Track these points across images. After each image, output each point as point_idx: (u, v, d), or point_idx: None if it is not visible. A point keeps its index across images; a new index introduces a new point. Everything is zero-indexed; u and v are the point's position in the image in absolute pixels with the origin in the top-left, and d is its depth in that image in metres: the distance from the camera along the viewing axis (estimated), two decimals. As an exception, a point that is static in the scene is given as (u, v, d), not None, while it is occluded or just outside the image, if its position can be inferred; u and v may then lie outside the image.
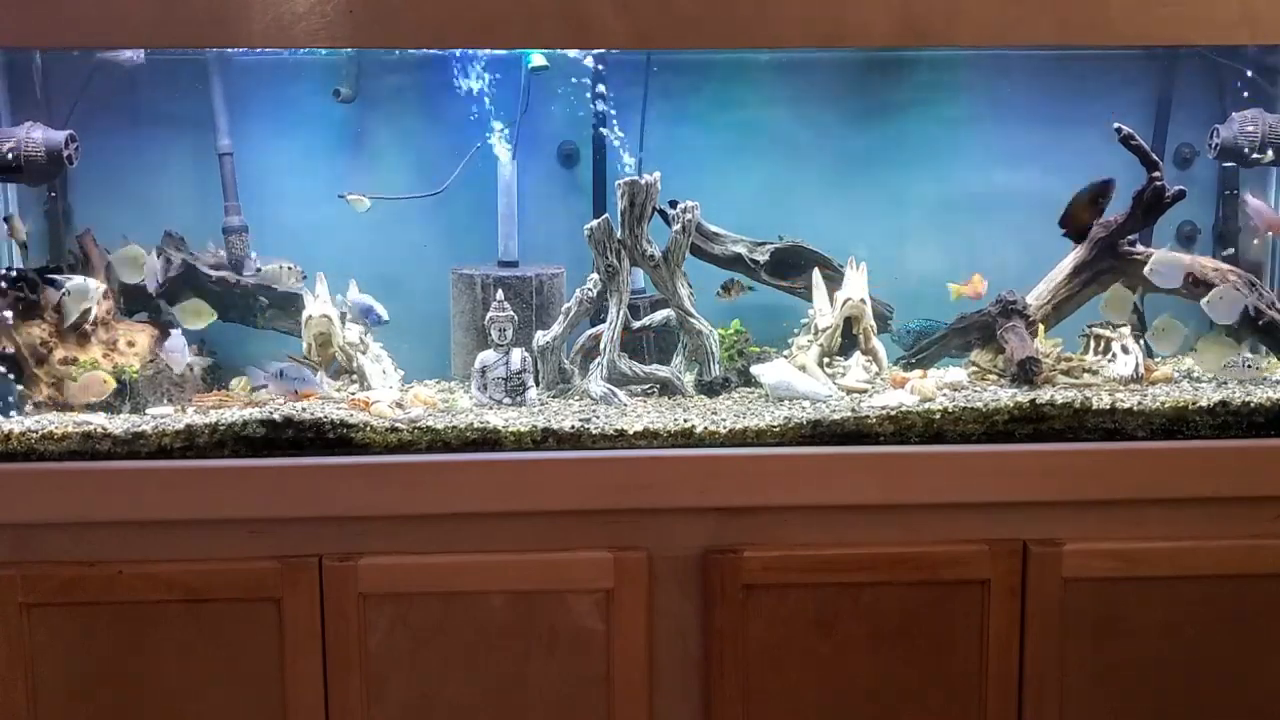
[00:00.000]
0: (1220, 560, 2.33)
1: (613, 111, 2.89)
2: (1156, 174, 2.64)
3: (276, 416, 2.31)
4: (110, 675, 2.26)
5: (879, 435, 2.36)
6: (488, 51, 2.79)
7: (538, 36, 2.36)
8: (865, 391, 2.56)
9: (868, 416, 2.36)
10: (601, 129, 2.90)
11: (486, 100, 2.87)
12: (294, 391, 2.49)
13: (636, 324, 2.78)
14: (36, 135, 2.59)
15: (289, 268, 2.73)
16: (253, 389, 2.59)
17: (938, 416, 2.36)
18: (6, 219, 2.66)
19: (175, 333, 2.59)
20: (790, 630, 2.31)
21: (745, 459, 2.31)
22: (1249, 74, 2.87)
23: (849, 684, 2.34)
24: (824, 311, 2.73)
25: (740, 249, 2.84)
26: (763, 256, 2.85)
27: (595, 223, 2.64)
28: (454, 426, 2.34)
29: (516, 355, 2.60)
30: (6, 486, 2.23)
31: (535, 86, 2.89)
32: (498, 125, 2.88)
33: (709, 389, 2.67)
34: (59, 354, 2.54)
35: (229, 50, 2.76)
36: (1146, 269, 2.63)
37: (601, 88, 2.88)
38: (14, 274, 2.51)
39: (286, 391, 2.50)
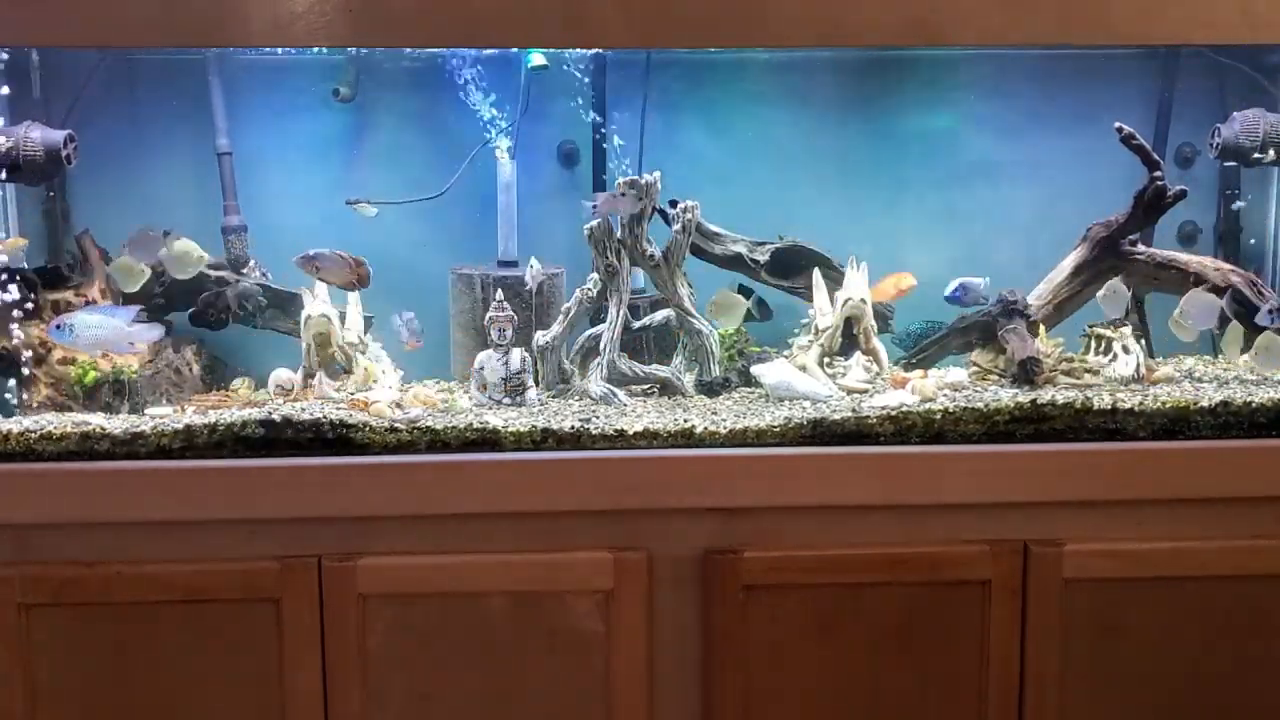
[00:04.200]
0: (1221, 561, 2.32)
1: (612, 114, 2.89)
2: (1157, 173, 2.64)
3: (276, 417, 2.31)
4: (109, 676, 2.26)
5: (879, 435, 2.36)
6: (488, 51, 2.79)
7: (537, 36, 2.36)
8: (866, 391, 2.56)
9: (868, 416, 2.36)
10: (600, 129, 2.90)
11: (487, 100, 2.87)
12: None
13: (636, 324, 2.77)
14: (35, 135, 2.59)
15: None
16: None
17: (938, 417, 2.36)
18: None
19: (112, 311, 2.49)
20: (790, 631, 2.31)
21: (745, 459, 2.30)
22: (1250, 73, 2.88)
23: (849, 685, 2.33)
24: (824, 311, 2.73)
25: (740, 249, 2.84)
26: (763, 256, 2.84)
27: (595, 223, 2.64)
28: (453, 427, 2.34)
29: (516, 355, 2.60)
30: (5, 487, 2.23)
31: (535, 86, 2.89)
32: (498, 124, 2.88)
33: (709, 389, 2.66)
34: (57, 354, 2.53)
35: (229, 50, 2.76)
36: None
37: (602, 87, 2.88)
38: (11, 275, 2.51)
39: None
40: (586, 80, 2.87)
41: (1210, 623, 2.34)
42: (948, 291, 2.71)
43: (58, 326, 2.40)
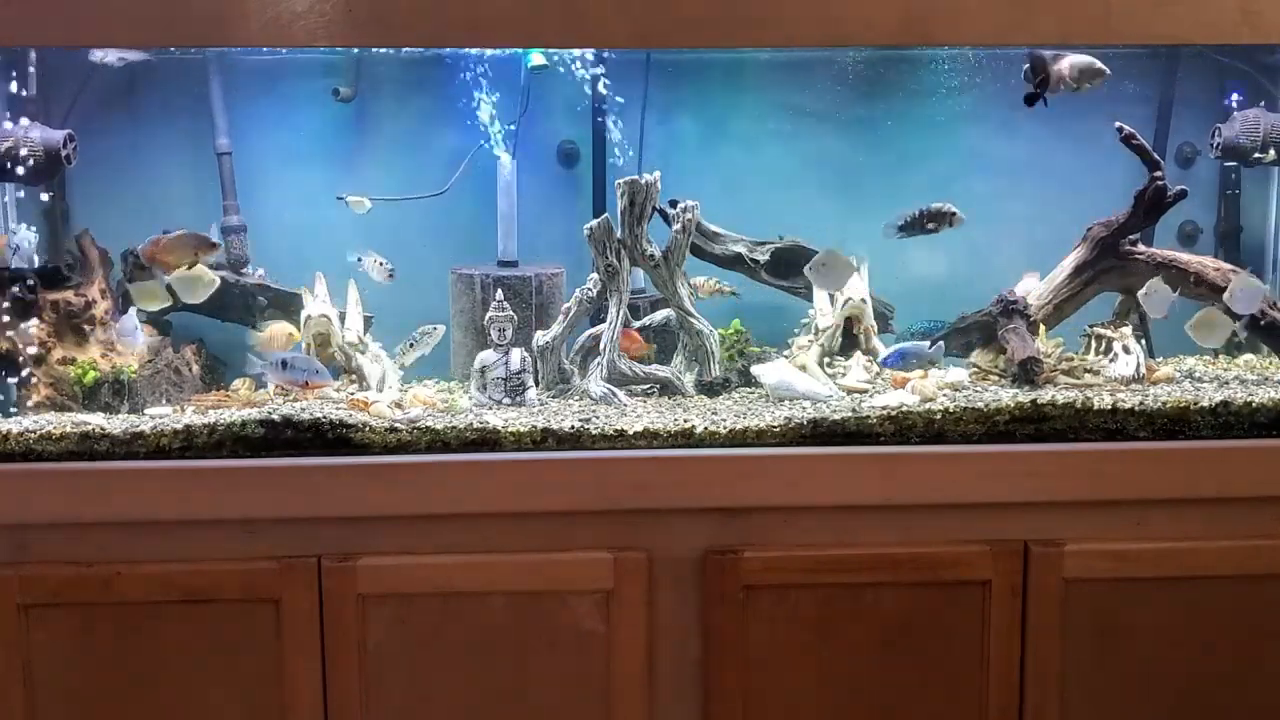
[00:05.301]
0: (1221, 561, 2.32)
1: (613, 114, 2.89)
2: (1158, 173, 2.63)
3: (275, 417, 2.31)
4: (108, 677, 2.26)
5: (879, 435, 2.36)
6: (487, 51, 2.79)
7: (537, 35, 2.35)
8: (866, 391, 2.56)
9: (868, 416, 2.36)
10: (603, 119, 2.90)
11: (487, 100, 2.87)
12: (302, 383, 2.47)
13: (636, 324, 2.77)
14: (34, 134, 2.58)
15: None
16: (255, 382, 2.57)
17: (938, 416, 2.36)
18: None
19: (131, 312, 2.56)
20: (790, 631, 2.31)
21: (745, 459, 2.30)
22: (1250, 73, 2.87)
23: (849, 685, 2.33)
24: (824, 311, 2.73)
25: (740, 249, 2.84)
26: (763, 256, 2.84)
27: (595, 223, 2.64)
28: (453, 427, 2.34)
29: (516, 355, 2.60)
30: (4, 486, 2.23)
31: (535, 86, 2.89)
32: (496, 125, 2.88)
33: (709, 389, 2.66)
34: (57, 354, 2.53)
35: (228, 50, 2.76)
36: (1141, 293, 2.63)
37: (602, 86, 2.88)
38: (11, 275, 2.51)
39: (291, 382, 2.48)
40: (588, 77, 2.87)
41: (1210, 623, 2.34)
42: (883, 357, 2.64)
43: (135, 329, 2.54)
